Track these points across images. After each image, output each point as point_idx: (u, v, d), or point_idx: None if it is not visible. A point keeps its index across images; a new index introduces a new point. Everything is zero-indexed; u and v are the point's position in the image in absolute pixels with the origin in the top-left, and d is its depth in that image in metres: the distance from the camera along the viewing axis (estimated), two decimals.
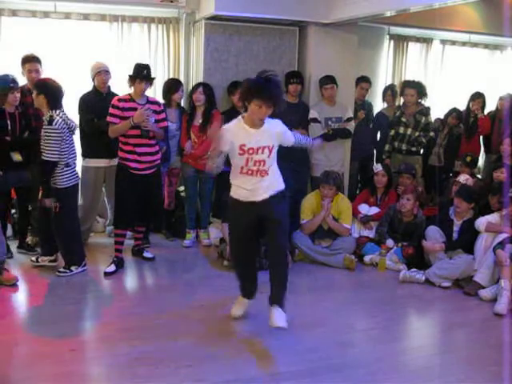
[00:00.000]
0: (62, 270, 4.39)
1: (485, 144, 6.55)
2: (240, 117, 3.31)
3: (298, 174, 5.56)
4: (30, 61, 4.67)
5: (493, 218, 4.50)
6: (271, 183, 3.35)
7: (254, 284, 3.63)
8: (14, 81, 4.46)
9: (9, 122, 4.44)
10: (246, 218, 3.38)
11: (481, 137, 6.46)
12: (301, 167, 5.53)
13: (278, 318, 3.24)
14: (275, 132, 3.32)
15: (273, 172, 3.36)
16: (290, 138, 3.49)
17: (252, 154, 3.23)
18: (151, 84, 4.46)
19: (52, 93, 4.12)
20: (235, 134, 3.23)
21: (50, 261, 4.50)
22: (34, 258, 4.57)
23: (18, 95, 4.46)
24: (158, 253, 5.00)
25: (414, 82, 5.83)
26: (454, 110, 6.22)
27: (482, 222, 4.48)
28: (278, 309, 3.28)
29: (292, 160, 5.41)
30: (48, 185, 4.15)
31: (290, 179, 5.40)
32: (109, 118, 4.37)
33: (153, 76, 4.47)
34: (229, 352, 3.28)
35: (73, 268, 4.40)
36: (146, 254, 4.90)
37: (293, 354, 3.28)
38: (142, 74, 4.34)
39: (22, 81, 4.72)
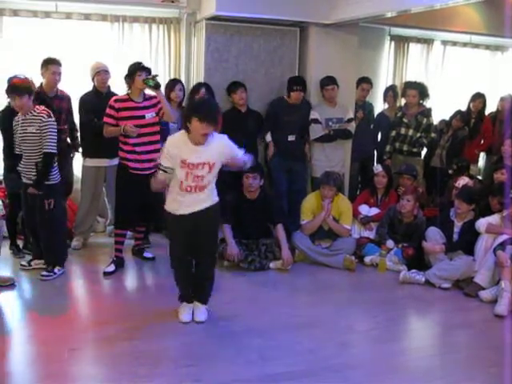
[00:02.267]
0: (45, 273, 4.29)
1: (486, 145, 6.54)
2: (184, 131, 3.37)
3: (297, 174, 5.57)
4: (56, 63, 4.66)
5: (493, 219, 4.49)
6: (207, 197, 3.49)
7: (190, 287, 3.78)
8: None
9: None
10: (182, 228, 3.56)
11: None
12: (298, 166, 5.53)
13: (201, 314, 3.67)
14: (217, 147, 3.39)
15: (210, 189, 3.49)
16: (235, 151, 3.49)
17: (192, 168, 3.34)
18: None
19: (32, 90, 4.19)
20: (178, 147, 3.36)
21: (43, 264, 4.40)
22: (24, 263, 4.48)
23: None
24: (159, 253, 4.99)
25: (415, 82, 5.82)
26: (459, 113, 6.21)
27: (482, 223, 4.48)
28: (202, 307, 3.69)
29: (287, 158, 5.45)
30: (46, 179, 4.19)
31: (284, 181, 5.47)
32: (104, 118, 4.39)
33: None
34: (228, 352, 3.28)
35: (56, 270, 4.34)
36: (146, 254, 4.90)
37: (292, 355, 3.28)
38: (140, 65, 4.36)
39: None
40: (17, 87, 4.07)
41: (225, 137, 3.47)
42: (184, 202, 3.46)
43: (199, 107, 3.33)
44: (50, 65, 4.64)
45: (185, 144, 3.34)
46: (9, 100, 4.35)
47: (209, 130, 3.25)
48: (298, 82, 5.44)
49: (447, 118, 6.36)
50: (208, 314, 3.68)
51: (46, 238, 4.31)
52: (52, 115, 4.16)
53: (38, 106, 4.13)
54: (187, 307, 3.70)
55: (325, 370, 3.13)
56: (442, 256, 4.59)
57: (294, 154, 5.50)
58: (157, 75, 4.39)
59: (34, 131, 4.09)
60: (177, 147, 3.36)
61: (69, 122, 4.96)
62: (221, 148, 3.40)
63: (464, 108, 6.41)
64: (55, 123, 4.17)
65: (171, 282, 3.79)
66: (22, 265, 4.48)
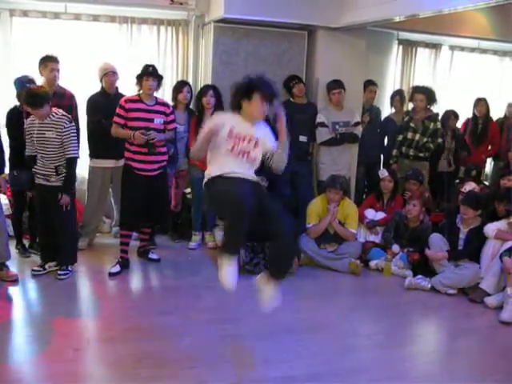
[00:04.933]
0: (62, 272, 4.31)
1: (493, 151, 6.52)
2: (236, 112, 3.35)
3: (302, 179, 5.54)
4: (54, 60, 4.66)
5: (500, 224, 4.47)
6: (253, 174, 3.37)
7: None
8: (30, 81, 4.49)
9: (24, 121, 4.41)
10: (242, 183, 3.24)
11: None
12: (303, 168, 5.52)
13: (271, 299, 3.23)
14: (264, 132, 3.38)
15: (255, 168, 3.38)
16: (271, 142, 3.41)
17: (239, 140, 3.25)
18: (159, 84, 4.47)
19: (50, 97, 4.19)
20: (227, 118, 3.33)
21: (55, 266, 4.41)
22: (37, 268, 4.35)
23: None
24: (164, 254, 5.01)
25: (423, 87, 5.81)
26: (451, 112, 6.17)
27: (492, 229, 4.45)
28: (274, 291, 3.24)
29: (293, 159, 5.42)
30: (74, 183, 4.31)
31: (287, 187, 5.45)
32: (114, 118, 4.40)
33: (160, 75, 4.50)
34: (232, 355, 3.28)
35: (70, 268, 4.39)
36: (151, 256, 4.91)
37: (296, 358, 3.27)
38: (147, 71, 4.37)
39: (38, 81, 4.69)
40: (37, 98, 3.99)
41: (269, 130, 3.45)
42: (233, 165, 3.26)
43: (260, 84, 3.26)
44: (48, 62, 4.64)
45: (234, 117, 3.31)
46: (18, 103, 4.40)
47: (266, 109, 3.27)
48: (292, 77, 5.53)
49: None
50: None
51: (61, 238, 4.33)
52: (72, 120, 4.21)
53: (56, 110, 4.13)
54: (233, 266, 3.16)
55: (328, 374, 3.12)
56: (446, 263, 4.57)
57: (301, 155, 5.50)
58: (153, 139, 4.32)
59: (55, 136, 4.09)
60: (226, 118, 3.32)
61: None
62: (266, 137, 3.37)
63: (468, 112, 6.38)
64: (75, 127, 4.24)
65: (175, 284, 3.79)
66: (34, 270, 4.33)
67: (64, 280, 4.28)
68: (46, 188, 4.22)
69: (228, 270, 3.12)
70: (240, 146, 3.25)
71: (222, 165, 3.28)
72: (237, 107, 3.31)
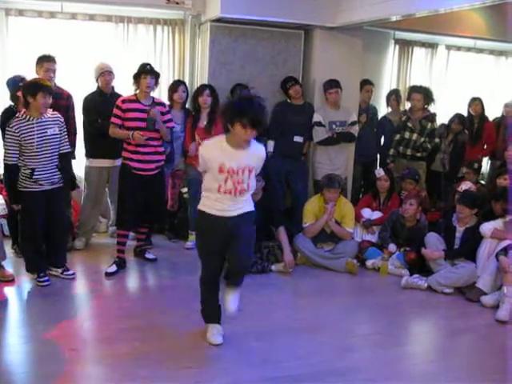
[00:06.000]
0: (70, 272, 4.37)
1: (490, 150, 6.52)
2: (222, 136, 3.16)
3: (296, 178, 5.54)
4: (50, 60, 4.64)
5: (497, 224, 4.48)
6: (246, 201, 3.25)
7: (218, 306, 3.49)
8: (23, 80, 4.45)
9: None
10: (218, 233, 3.23)
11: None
12: (295, 167, 5.52)
13: (233, 301, 3.26)
14: (257, 155, 3.20)
15: (249, 194, 3.27)
16: (259, 168, 3.28)
17: (232, 174, 3.10)
18: (157, 82, 4.46)
19: None
20: (215, 152, 3.11)
21: (58, 266, 4.38)
22: (42, 279, 4.17)
23: None
24: (160, 254, 5.00)
25: (421, 87, 5.82)
26: (457, 116, 6.19)
27: (488, 228, 4.46)
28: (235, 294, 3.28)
29: (287, 159, 5.44)
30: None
31: (282, 183, 5.45)
32: (111, 118, 4.40)
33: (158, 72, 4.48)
34: (230, 354, 3.27)
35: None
36: (147, 255, 4.90)
37: (293, 358, 3.27)
38: (145, 69, 4.37)
39: None
40: (48, 86, 3.98)
41: (263, 149, 3.28)
42: (222, 205, 3.19)
43: (244, 110, 2.98)
44: (44, 62, 4.62)
45: (222, 149, 3.09)
46: (11, 103, 4.38)
47: (252, 135, 3.03)
48: (289, 79, 5.53)
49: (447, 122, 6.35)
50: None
51: (61, 239, 4.38)
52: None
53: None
54: (215, 328, 3.42)
55: (326, 373, 3.12)
56: (442, 262, 4.58)
57: (295, 155, 5.50)
58: (155, 120, 4.34)
59: (57, 132, 4.07)
60: (213, 152, 3.12)
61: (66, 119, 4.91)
62: (259, 159, 3.21)
63: (465, 112, 6.40)
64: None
65: (172, 284, 3.79)
66: (39, 281, 4.16)
67: (64, 280, 4.30)
68: (49, 192, 4.10)
69: (213, 334, 3.39)
70: (232, 179, 3.11)
71: (214, 202, 3.20)
72: (226, 129, 3.10)
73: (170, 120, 4.61)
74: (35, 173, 4.00)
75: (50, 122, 4.05)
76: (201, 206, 3.31)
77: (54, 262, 4.34)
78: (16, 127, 3.92)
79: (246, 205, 3.25)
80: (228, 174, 3.10)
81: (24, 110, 4.01)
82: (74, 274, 4.38)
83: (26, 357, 3.22)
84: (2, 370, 2.98)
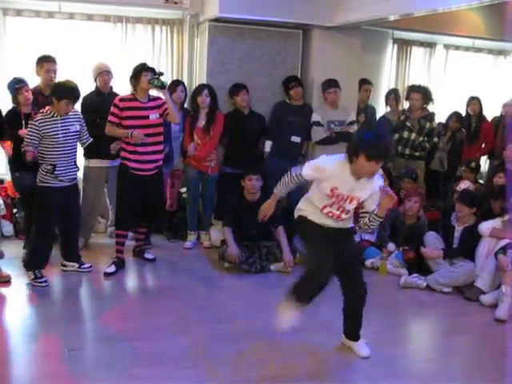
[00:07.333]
0: (86, 265, 4.51)
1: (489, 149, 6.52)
2: (346, 160, 3.05)
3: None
4: (50, 61, 4.63)
5: (495, 223, 4.48)
6: (346, 222, 3.22)
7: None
8: (19, 81, 4.45)
9: (23, 123, 4.38)
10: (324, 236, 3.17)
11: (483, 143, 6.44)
12: (293, 166, 5.50)
13: (363, 348, 3.32)
14: (372, 189, 3.08)
15: (349, 218, 3.22)
16: (375, 201, 3.11)
17: (340, 200, 3.06)
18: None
19: None
20: (336, 174, 3.05)
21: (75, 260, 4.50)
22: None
23: (28, 94, 4.43)
24: (159, 254, 5.00)
25: (420, 86, 5.83)
26: (455, 114, 6.20)
27: (487, 227, 4.46)
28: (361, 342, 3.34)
29: (285, 159, 5.43)
30: None
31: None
32: (109, 117, 4.40)
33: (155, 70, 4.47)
34: (228, 354, 3.27)
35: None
36: (146, 255, 4.90)
37: (292, 357, 3.27)
38: (145, 66, 4.37)
39: (33, 82, 4.67)
40: (75, 96, 4.13)
41: (381, 181, 3.14)
42: (323, 222, 3.17)
43: (370, 143, 2.91)
44: (45, 62, 4.61)
45: (343, 173, 3.02)
46: (14, 104, 4.40)
47: (376, 168, 2.96)
48: (291, 79, 5.51)
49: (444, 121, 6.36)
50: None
51: (77, 235, 4.54)
52: None
53: None
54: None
55: (325, 372, 3.13)
56: (441, 261, 4.58)
57: (292, 154, 5.50)
58: (162, 74, 4.38)
59: (78, 129, 4.22)
60: (335, 173, 3.04)
61: None
62: (375, 194, 3.08)
63: (463, 111, 6.40)
64: None
65: (171, 284, 3.78)
66: (37, 282, 4.17)
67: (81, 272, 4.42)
68: (68, 189, 4.23)
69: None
70: (339, 204, 3.08)
71: (315, 217, 3.17)
72: (349, 161, 3.01)
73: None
74: (56, 169, 4.13)
75: (72, 119, 4.19)
76: (302, 212, 3.24)
77: (71, 257, 4.47)
78: (40, 121, 4.06)
79: (346, 224, 3.23)
80: (336, 198, 3.07)
81: (48, 106, 4.13)
82: (91, 266, 4.49)
83: (26, 357, 3.21)
84: (1, 372, 2.98)
